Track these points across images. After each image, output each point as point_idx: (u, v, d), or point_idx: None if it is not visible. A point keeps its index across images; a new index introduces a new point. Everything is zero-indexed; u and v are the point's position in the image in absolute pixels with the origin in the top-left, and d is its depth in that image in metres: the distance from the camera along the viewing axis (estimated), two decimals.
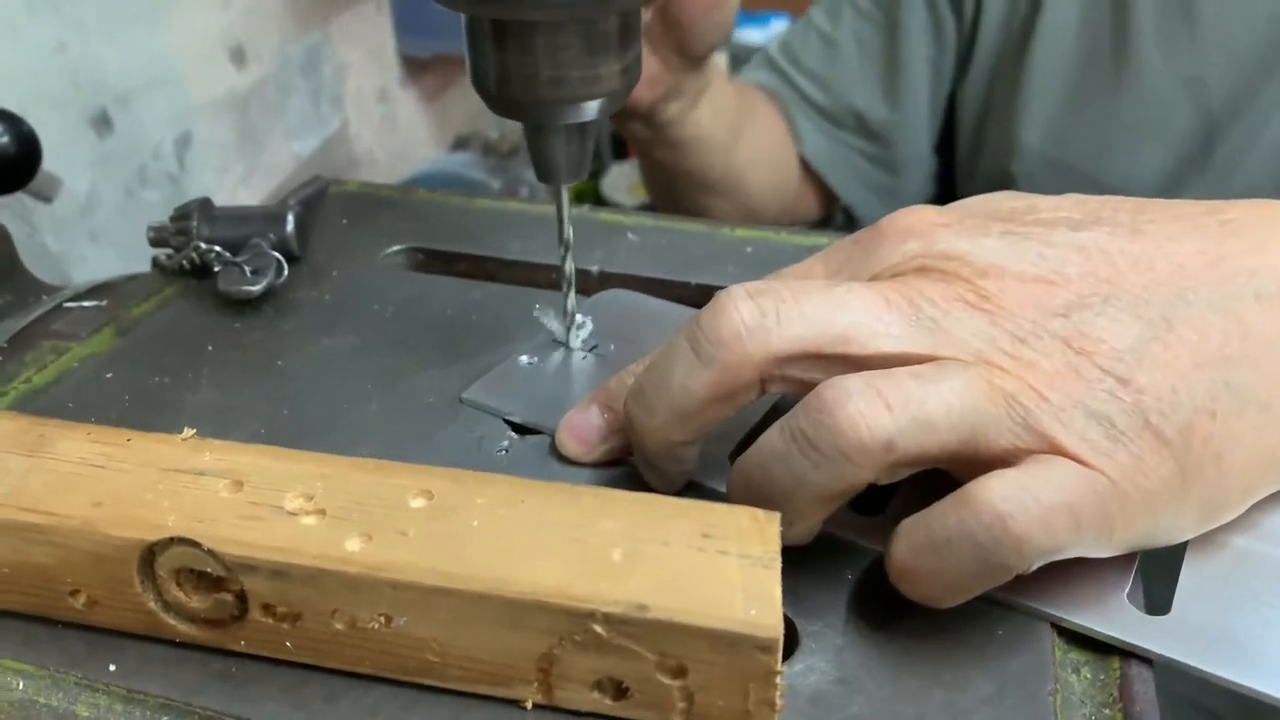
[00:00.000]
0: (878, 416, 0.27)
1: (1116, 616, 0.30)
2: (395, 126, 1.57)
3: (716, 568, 0.27)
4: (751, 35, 1.96)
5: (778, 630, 0.25)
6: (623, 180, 1.78)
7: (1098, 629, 0.30)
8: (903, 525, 0.29)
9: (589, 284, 0.47)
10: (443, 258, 0.50)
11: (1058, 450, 0.28)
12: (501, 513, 0.28)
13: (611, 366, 0.40)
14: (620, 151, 1.94)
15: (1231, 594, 0.31)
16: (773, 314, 0.29)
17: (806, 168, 0.76)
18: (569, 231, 0.38)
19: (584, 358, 0.41)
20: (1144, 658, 0.29)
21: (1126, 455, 0.28)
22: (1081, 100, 0.64)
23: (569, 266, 0.39)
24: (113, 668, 0.29)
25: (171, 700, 0.28)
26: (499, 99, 0.34)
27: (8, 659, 0.30)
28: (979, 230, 0.32)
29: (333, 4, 1.39)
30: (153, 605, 0.29)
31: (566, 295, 0.40)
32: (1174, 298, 0.30)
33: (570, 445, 0.36)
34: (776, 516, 0.28)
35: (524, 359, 0.41)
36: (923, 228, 0.32)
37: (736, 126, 0.68)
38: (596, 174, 1.84)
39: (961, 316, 0.29)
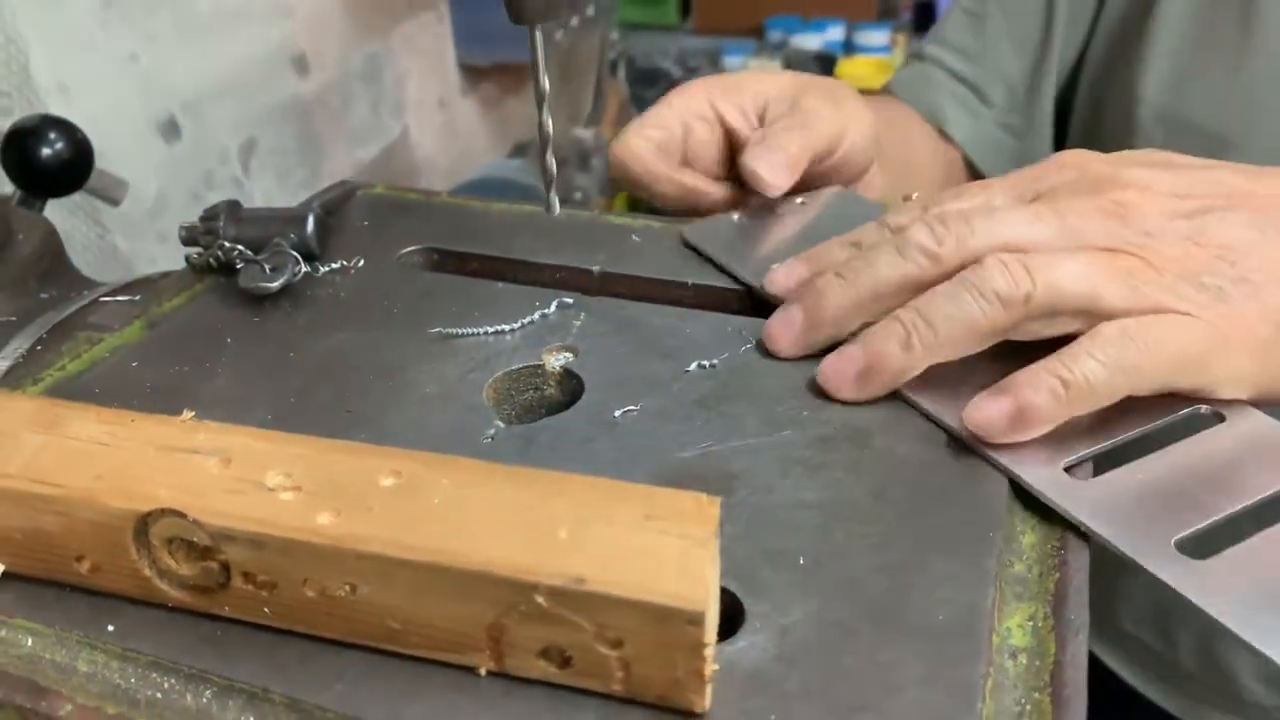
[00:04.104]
0: (1022, 277, 0.37)
1: (1046, 475, 0.36)
2: (455, 133, 1.61)
3: (655, 546, 0.28)
4: (809, 41, 1.97)
5: (704, 604, 0.27)
6: None
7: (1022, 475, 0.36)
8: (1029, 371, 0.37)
9: (589, 283, 0.49)
10: (456, 257, 0.52)
11: (1167, 309, 0.36)
12: (463, 492, 0.30)
13: (795, 234, 0.51)
14: None
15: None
16: (954, 234, 0.39)
17: (947, 150, 0.77)
18: (545, 83, 0.41)
19: (782, 220, 0.52)
20: (1084, 650, 0.30)
21: (1229, 309, 0.36)
22: (1206, 58, 0.64)
23: (547, 121, 0.42)
24: (111, 628, 0.32)
25: (162, 659, 0.31)
26: None
27: (19, 618, 0.32)
28: (1124, 163, 0.41)
29: (393, 14, 1.44)
30: (147, 571, 0.32)
31: (544, 155, 0.43)
32: None
33: (777, 284, 0.46)
34: (717, 501, 0.30)
35: (735, 216, 0.52)
36: (1081, 161, 0.42)
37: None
38: None
39: (1099, 222, 0.38)
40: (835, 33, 1.99)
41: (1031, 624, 0.32)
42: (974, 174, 0.77)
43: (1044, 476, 0.36)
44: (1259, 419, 0.38)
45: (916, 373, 0.39)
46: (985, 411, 0.37)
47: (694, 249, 0.50)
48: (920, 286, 0.39)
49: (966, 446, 0.38)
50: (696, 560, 0.28)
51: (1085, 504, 0.35)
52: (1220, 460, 0.37)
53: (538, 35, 0.39)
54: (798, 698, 0.29)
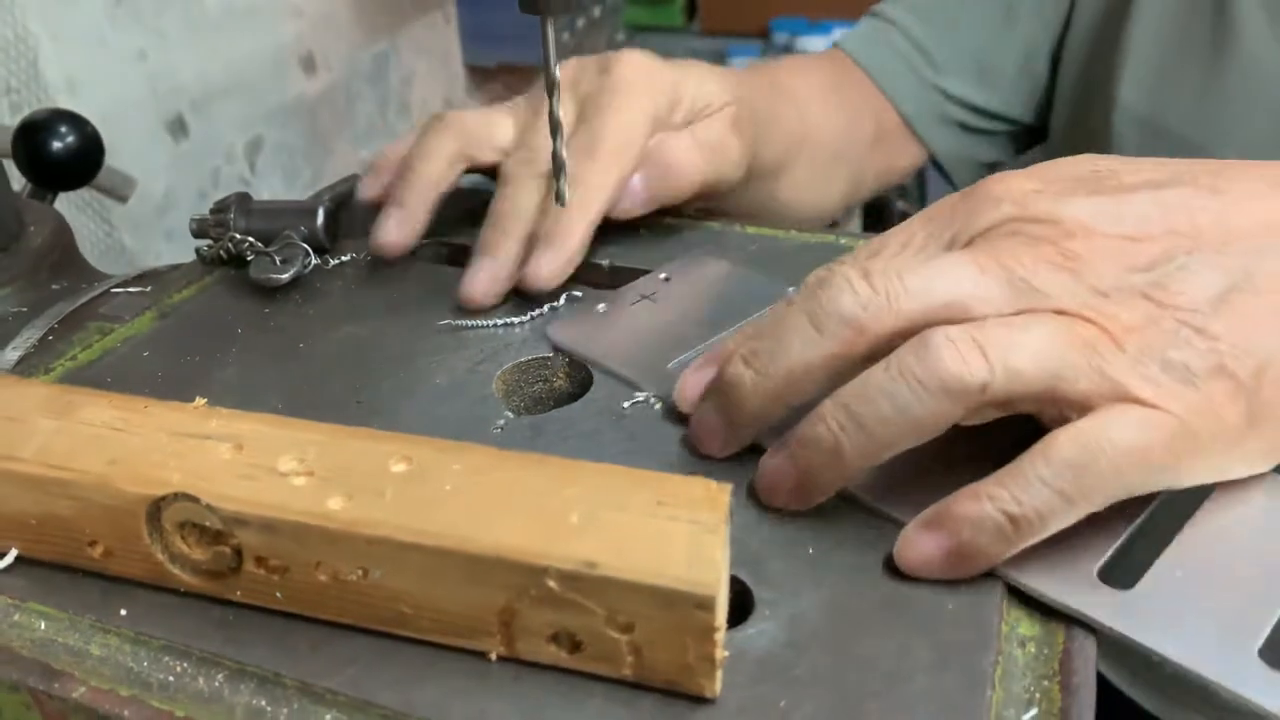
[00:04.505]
0: (977, 362, 0.31)
1: (1073, 583, 0.31)
2: None
3: (665, 532, 0.28)
4: (814, 43, 1.97)
5: (714, 588, 0.27)
6: None
7: (1049, 594, 0.31)
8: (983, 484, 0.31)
9: (600, 277, 0.49)
10: (466, 251, 0.52)
11: (1129, 396, 0.30)
12: (474, 478, 0.31)
13: (679, 320, 0.44)
14: None
15: (1197, 589, 0.31)
16: (883, 293, 0.33)
17: (884, 110, 0.76)
18: (556, 72, 0.41)
19: (654, 304, 0.45)
20: (1089, 630, 0.31)
21: (1198, 396, 0.30)
22: (1181, 65, 0.64)
23: (557, 109, 0.42)
24: (124, 612, 0.32)
25: (174, 643, 0.31)
26: None
27: (33, 602, 0.33)
28: (1067, 193, 0.34)
29: (401, 15, 1.44)
30: (160, 556, 0.32)
31: (556, 142, 0.42)
32: (1253, 251, 0.32)
33: (688, 399, 0.39)
34: (728, 488, 0.30)
35: (601, 307, 0.46)
36: (1016, 193, 0.35)
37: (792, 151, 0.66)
38: None
39: (1049, 276, 0.32)
40: (841, 35, 1.98)
41: (1039, 613, 0.32)
42: (916, 138, 0.77)
43: (1079, 591, 0.31)
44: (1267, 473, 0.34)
45: (857, 476, 0.34)
46: (919, 549, 0.32)
47: (566, 353, 0.44)
48: (849, 362, 0.33)
49: None
50: (707, 545, 0.28)
51: (1144, 622, 0.30)
52: (1250, 532, 0.32)
53: (550, 28, 0.39)
54: (807, 684, 0.29)
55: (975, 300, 0.32)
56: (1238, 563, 0.32)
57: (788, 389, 0.34)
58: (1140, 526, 0.33)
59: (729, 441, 0.37)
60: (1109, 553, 0.32)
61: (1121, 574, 0.32)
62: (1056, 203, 0.34)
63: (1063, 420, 0.31)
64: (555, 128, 0.42)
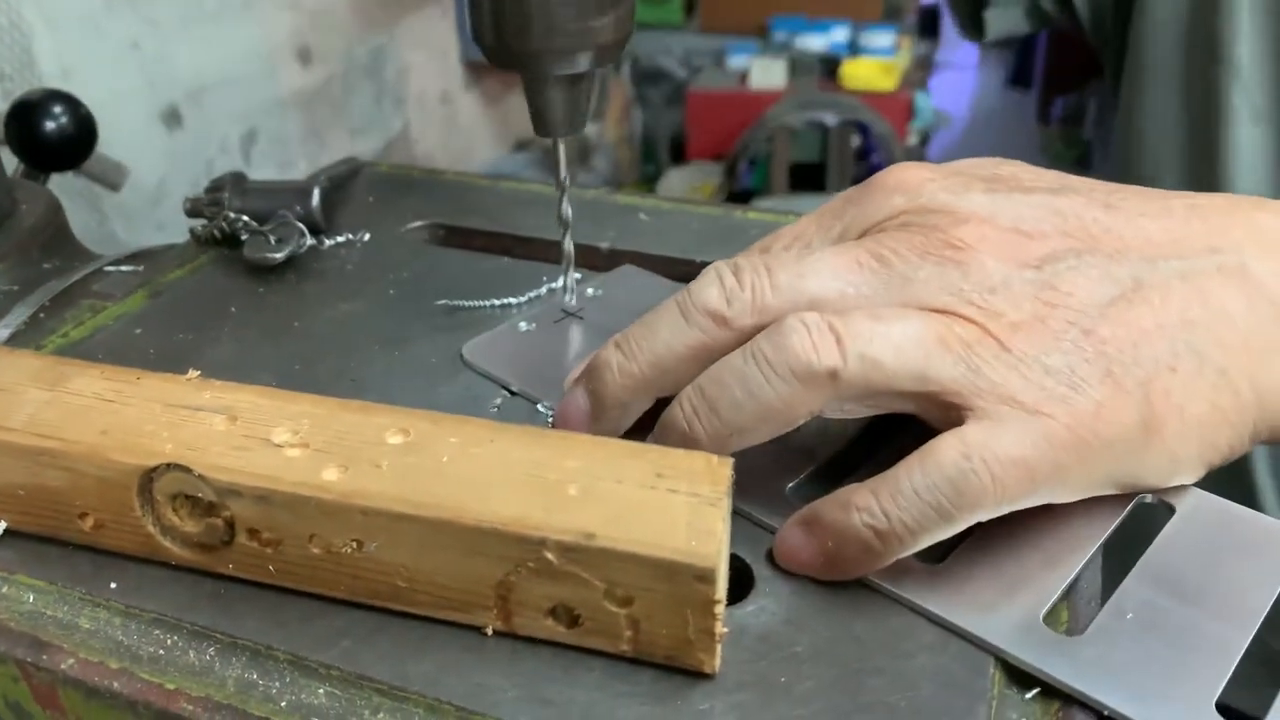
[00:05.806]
0: (827, 349, 0.30)
1: (1017, 628, 0.29)
2: (456, 128, 1.61)
3: (665, 504, 0.28)
4: (813, 42, 1.98)
5: (715, 560, 0.26)
6: (679, 184, 1.80)
7: (991, 639, 0.29)
8: (859, 488, 0.30)
9: (598, 260, 0.49)
10: (461, 233, 0.52)
11: (1011, 399, 0.29)
12: (471, 450, 0.30)
13: (600, 337, 0.41)
14: (678, 156, 1.96)
15: (1142, 637, 0.29)
16: (748, 288, 0.32)
17: None
18: (566, 178, 0.40)
19: (580, 321, 0.43)
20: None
21: (1086, 402, 0.29)
22: None
23: (566, 210, 0.41)
24: (114, 585, 0.32)
25: (164, 616, 0.31)
26: (495, 50, 0.36)
27: (21, 575, 0.32)
28: (964, 186, 0.34)
29: (398, 8, 1.44)
30: (151, 528, 0.31)
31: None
32: (1142, 262, 0.32)
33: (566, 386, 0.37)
34: (729, 461, 0.29)
35: (523, 325, 0.43)
36: (912, 183, 0.34)
37: None
38: (654, 179, 1.87)
39: (933, 271, 0.31)
40: (840, 34, 1.99)
41: None
42: None
43: (1025, 638, 0.29)
44: (1212, 505, 0.33)
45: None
46: (795, 548, 0.31)
47: (483, 374, 0.41)
48: (714, 355, 0.32)
49: None
50: (707, 518, 0.27)
51: (1094, 673, 0.28)
52: (1201, 570, 0.31)
53: (560, 147, 0.39)
54: (808, 660, 0.29)
55: (847, 298, 0.31)
56: (1191, 606, 0.30)
57: (654, 374, 0.33)
58: (1088, 562, 0.31)
59: (592, 424, 0.35)
60: (1055, 596, 0.30)
61: (1067, 615, 0.30)
62: (952, 194, 0.33)
63: (950, 424, 0.30)
64: (565, 227, 0.42)
